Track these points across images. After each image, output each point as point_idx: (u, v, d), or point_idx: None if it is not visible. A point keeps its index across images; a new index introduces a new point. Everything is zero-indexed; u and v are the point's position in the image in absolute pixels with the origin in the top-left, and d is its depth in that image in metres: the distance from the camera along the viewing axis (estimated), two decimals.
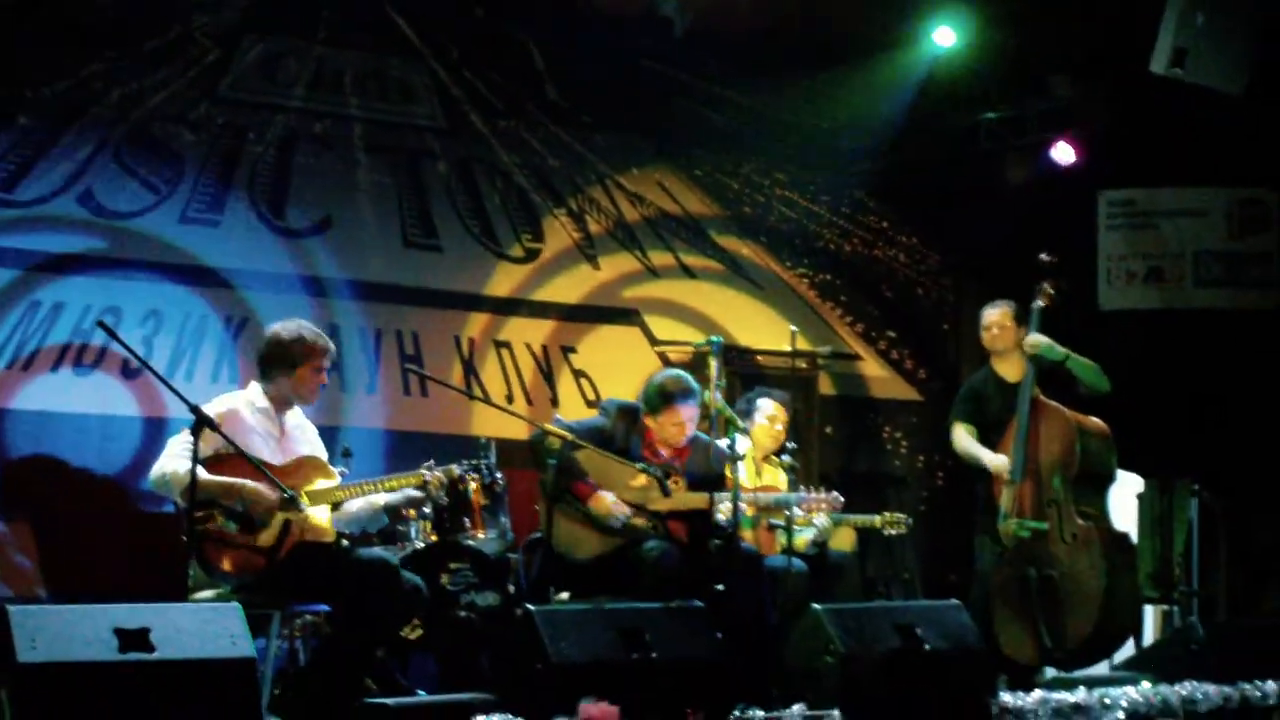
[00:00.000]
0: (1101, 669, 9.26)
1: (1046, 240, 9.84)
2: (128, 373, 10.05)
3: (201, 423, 6.91)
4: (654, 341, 12.07)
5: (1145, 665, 8.63)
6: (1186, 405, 11.79)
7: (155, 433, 9.68)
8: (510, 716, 6.72)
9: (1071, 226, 12.22)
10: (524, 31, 11.84)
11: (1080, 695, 7.62)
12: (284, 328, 7.63)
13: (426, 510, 8.76)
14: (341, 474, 7.69)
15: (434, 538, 8.85)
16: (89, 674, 5.84)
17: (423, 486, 7.69)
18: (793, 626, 8.11)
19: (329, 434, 8.42)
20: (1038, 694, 7.66)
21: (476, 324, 11.50)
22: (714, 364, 8.28)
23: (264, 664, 7.10)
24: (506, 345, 11.55)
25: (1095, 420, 9.26)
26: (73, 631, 5.88)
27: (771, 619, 8.39)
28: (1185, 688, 7.83)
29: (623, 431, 8.54)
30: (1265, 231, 12.52)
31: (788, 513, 8.63)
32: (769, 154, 12.84)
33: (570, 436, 8.11)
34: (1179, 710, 7.72)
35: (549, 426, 8.12)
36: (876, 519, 9.36)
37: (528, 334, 11.67)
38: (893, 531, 9.43)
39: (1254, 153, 11.96)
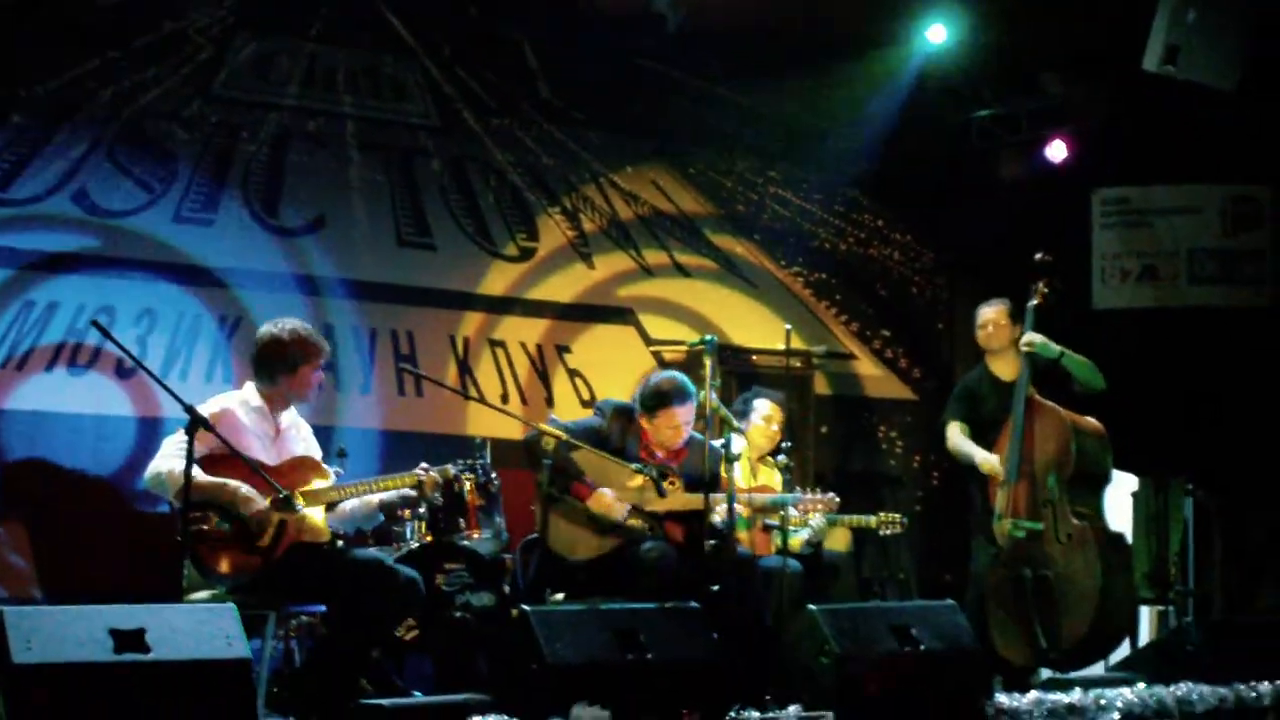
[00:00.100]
0: (1097, 670, 9.27)
1: (1040, 238, 9.85)
2: (122, 372, 10.03)
3: (196, 423, 6.90)
4: (649, 341, 12.06)
5: (1141, 666, 8.64)
6: (1181, 403, 11.78)
7: (150, 433, 9.65)
8: (505, 717, 6.73)
9: (1065, 225, 12.22)
10: (517, 29, 11.82)
11: (1075, 696, 7.62)
12: (280, 328, 7.61)
13: (421, 510, 8.77)
14: (336, 474, 7.69)
15: (429, 538, 8.86)
16: (84, 675, 5.83)
17: (418, 486, 7.69)
18: (788, 627, 8.13)
19: (324, 434, 8.41)
20: (1033, 695, 7.67)
21: (471, 323, 11.48)
22: (709, 363, 8.25)
23: (259, 665, 7.12)
24: (501, 344, 11.54)
25: (1090, 420, 9.26)
26: (68, 632, 5.87)
27: (767, 620, 8.40)
28: (1181, 688, 7.84)
29: (618, 432, 8.54)
30: (1258, 228, 12.51)
31: (783, 513, 8.63)
32: (763, 152, 12.83)
33: (565, 437, 8.11)
34: (1175, 711, 7.72)
35: (544, 427, 8.12)
36: (872, 519, 9.36)
37: (522, 333, 11.65)
38: (888, 532, 9.44)
39: (1247, 149, 11.96)
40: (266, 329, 7.65)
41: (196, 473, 6.91)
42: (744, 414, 9.45)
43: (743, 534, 8.79)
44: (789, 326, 10.03)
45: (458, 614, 8.64)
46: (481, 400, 10.32)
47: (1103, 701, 7.62)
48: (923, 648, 7.47)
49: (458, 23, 11.59)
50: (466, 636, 8.61)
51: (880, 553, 11.86)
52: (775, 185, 12.88)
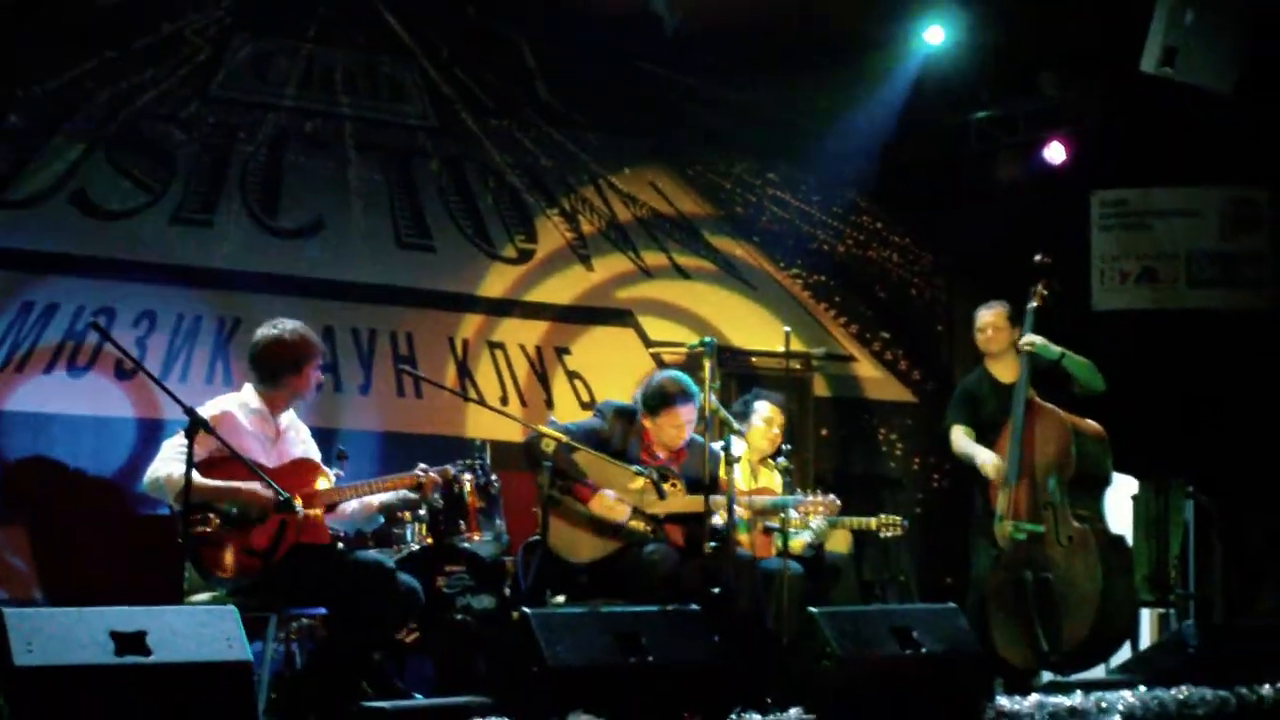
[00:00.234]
0: (1098, 672, 9.26)
1: (1039, 241, 9.84)
2: (122, 374, 10.02)
3: (196, 425, 6.89)
4: (648, 342, 12.05)
5: (1141, 668, 8.63)
6: (1181, 406, 11.78)
7: (150, 434, 9.63)
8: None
9: (1064, 227, 12.20)
10: (515, 30, 11.81)
11: (1077, 699, 7.60)
12: (281, 329, 7.62)
13: (422, 513, 8.75)
14: (337, 476, 7.69)
15: (429, 540, 8.84)
16: (85, 677, 5.83)
17: (418, 488, 7.70)
18: (789, 630, 8.12)
19: (323, 436, 8.40)
20: (1034, 698, 7.65)
21: (470, 325, 11.47)
22: (708, 365, 8.25)
23: (260, 667, 7.11)
24: (500, 346, 11.53)
25: (1091, 422, 9.26)
26: (68, 635, 5.87)
27: (768, 622, 8.39)
28: (1182, 691, 7.83)
29: (620, 433, 8.54)
30: (1257, 231, 12.50)
31: (784, 515, 8.63)
32: (761, 154, 12.83)
33: (565, 439, 8.11)
34: (1176, 713, 7.71)
35: (543, 429, 8.12)
36: (872, 521, 9.35)
37: (522, 335, 11.65)
38: (888, 534, 9.42)
39: (1246, 152, 11.95)
40: (265, 331, 7.65)
41: (196, 476, 6.90)
42: (744, 416, 9.44)
43: (743, 536, 8.78)
44: (788, 328, 10.04)
45: (458, 616, 8.63)
46: (481, 402, 10.32)
47: (1104, 704, 7.60)
48: (924, 650, 7.46)
49: (456, 23, 11.59)
50: (467, 639, 8.60)
51: (881, 555, 11.86)
52: (774, 187, 12.88)
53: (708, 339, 8.39)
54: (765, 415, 9.47)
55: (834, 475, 12.15)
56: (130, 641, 5.95)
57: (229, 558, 7.16)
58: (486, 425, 10.33)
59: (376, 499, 7.74)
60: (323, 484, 7.51)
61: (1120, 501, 10.58)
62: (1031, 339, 9.32)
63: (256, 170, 10.81)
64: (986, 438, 9.44)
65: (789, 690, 7.40)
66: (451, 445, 10.20)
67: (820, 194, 13.01)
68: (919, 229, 13.36)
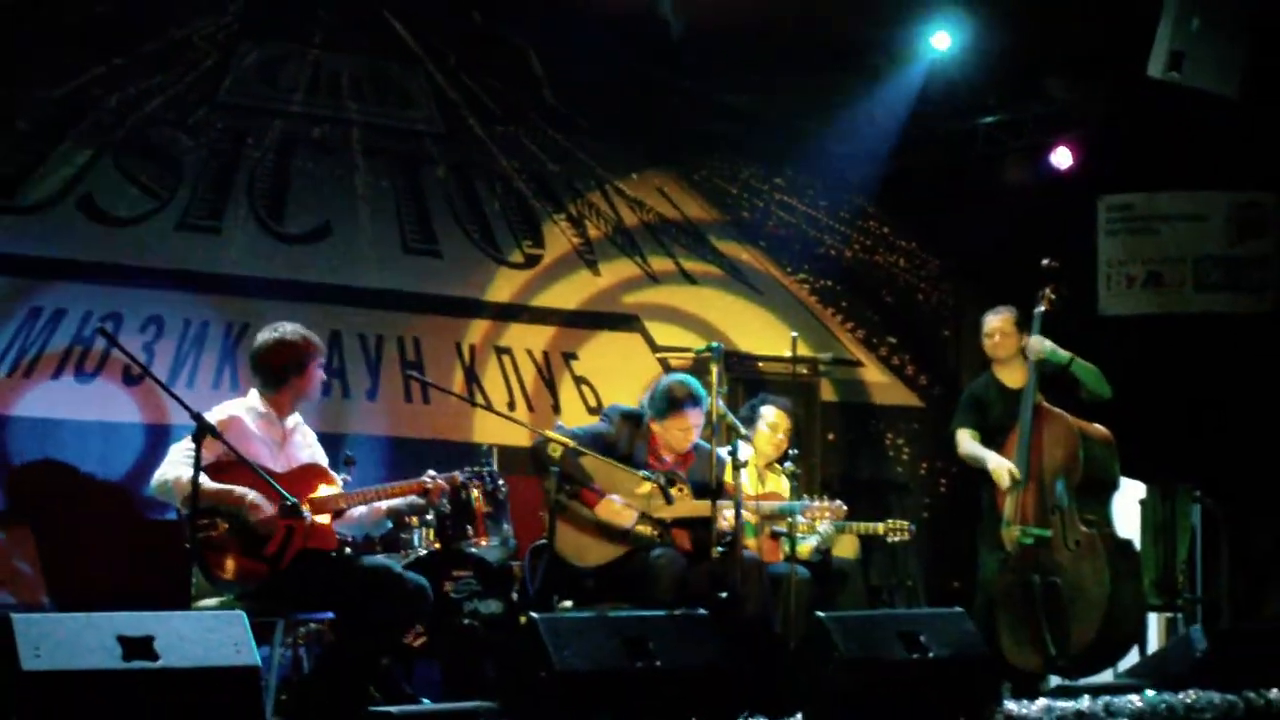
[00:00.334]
0: (1105, 676, 9.25)
1: (1046, 245, 9.82)
2: (129, 379, 10.02)
3: (204, 430, 6.90)
4: (655, 347, 12.05)
5: (1149, 673, 8.63)
6: (1187, 410, 11.78)
7: (157, 440, 9.64)
8: None
9: (1070, 231, 12.21)
10: (521, 36, 11.82)
11: (1084, 703, 7.61)
12: (282, 331, 7.63)
13: (429, 518, 8.76)
14: (344, 481, 7.68)
15: (437, 545, 8.85)
16: (93, 682, 5.84)
17: (425, 494, 7.69)
18: (796, 634, 8.12)
19: (331, 441, 8.40)
20: (1042, 702, 7.65)
21: (477, 330, 11.47)
22: (715, 370, 8.25)
23: (268, 672, 7.10)
24: (508, 351, 11.54)
25: (1098, 427, 9.25)
26: (76, 640, 5.87)
27: (775, 627, 8.39)
28: (1190, 695, 7.82)
29: (626, 437, 8.55)
30: (1264, 236, 12.51)
31: (791, 520, 8.63)
32: (768, 159, 12.84)
33: (571, 444, 8.12)
34: (1184, 718, 7.71)
35: (550, 434, 8.12)
36: (879, 526, 9.34)
37: (529, 340, 11.65)
38: (896, 538, 9.40)
39: (1253, 156, 11.96)
40: (266, 335, 7.65)
41: (204, 480, 6.91)
42: (751, 421, 9.44)
43: (750, 541, 8.78)
44: (795, 333, 10.02)
45: (466, 621, 8.64)
46: (488, 407, 10.33)
47: (1111, 708, 7.60)
48: (930, 654, 7.45)
49: (462, 29, 11.60)
50: (475, 644, 8.61)
51: (888, 559, 11.85)
52: (780, 192, 12.89)
53: (714, 344, 8.39)
54: (771, 420, 9.46)
55: (841, 480, 12.15)
56: (138, 646, 5.95)
57: (236, 562, 7.16)
58: (494, 430, 10.34)
59: (384, 504, 7.73)
60: (330, 490, 7.51)
61: (1128, 506, 10.59)
62: (1039, 347, 9.31)
63: (264, 176, 10.82)
64: (994, 442, 9.43)
65: (796, 695, 7.39)
66: (459, 450, 10.23)
67: (827, 199, 13.02)
68: (926, 234, 13.37)
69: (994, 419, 9.54)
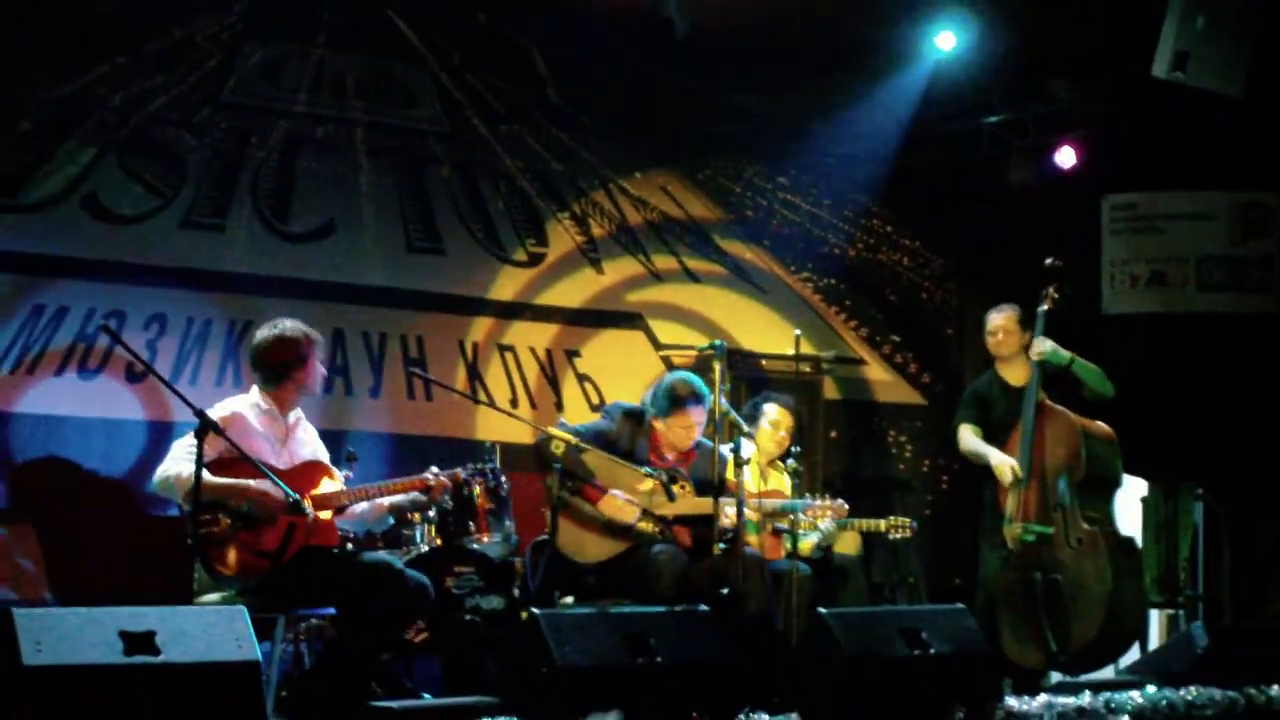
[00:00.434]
0: (1107, 673, 9.25)
1: (1049, 244, 9.83)
2: (132, 377, 10.05)
3: (206, 427, 6.92)
4: (658, 345, 12.06)
5: (1150, 670, 8.62)
6: (1190, 409, 11.78)
7: (160, 437, 9.66)
8: None
9: (1074, 230, 12.20)
10: (526, 35, 11.83)
11: (1085, 700, 7.61)
12: (281, 327, 7.68)
13: (431, 514, 8.78)
14: (346, 478, 7.70)
15: (439, 541, 8.87)
16: (94, 677, 5.83)
17: (427, 491, 7.71)
18: (798, 630, 8.12)
19: (334, 438, 8.42)
20: (1043, 698, 7.64)
21: (480, 328, 11.49)
22: (718, 368, 8.26)
23: (269, 667, 7.13)
24: (510, 349, 11.55)
25: (1100, 425, 9.25)
26: (78, 635, 5.87)
27: (776, 623, 8.40)
28: (1191, 692, 7.82)
29: (628, 435, 8.55)
30: (1267, 235, 12.51)
31: (792, 517, 8.64)
32: (772, 158, 12.84)
33: (574, 440, 8.13)
34: (1184, 714, 7.71)
35: (553, 430, 8.13)
36: (881, 523, 9.33)
37: (532, 338, 11.67)
38: (897, 535, 9.38)
39: (1257, 156, 11.95)
40: (265, 332, 7.69)
41: (206, 475, 6.92)
42: (753, 419, 9.44)
43: (752, 538, 8.78)
44: (798, 331, 10.03)
45: (467, 617, 8.65)
46: (491, 404, 10.33)
47: (1113, 705, 7.61)
48: (932, 651, 7.45)
49: (467, 28, 11.60)
50: (476, 639, 8.62)
51: (890, 556, 11.86)
52: (784, 191, 12.90)
53: (718, 342, 8.40)
54: (772, 418, 9.46)
55: (843, 477, 12.17)
56: (139, 641, 5.95)
57: (238, 558, 7.17)
58: (497, 427, 10.34)
59: (386, 500, 7.75)
60: (332, 486, 7.53)
61: (1130, 503, 10.58)
62: (1042, 347, 9.31)
63: (268, 175, 10.84)
64: (996, 440, 9.43)
65: (797, 691, 7.40)
66: (461, 447, 10.24)
67: (831, 198, 13.03)
68: (929, 233, 13.37)
69: (997, 417, 9.54)
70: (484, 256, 11.59)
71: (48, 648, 5.76)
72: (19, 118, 10.03)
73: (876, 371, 13.10)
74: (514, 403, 11.41)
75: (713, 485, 8.08)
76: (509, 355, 11.54)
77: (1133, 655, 9.54)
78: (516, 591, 8.83)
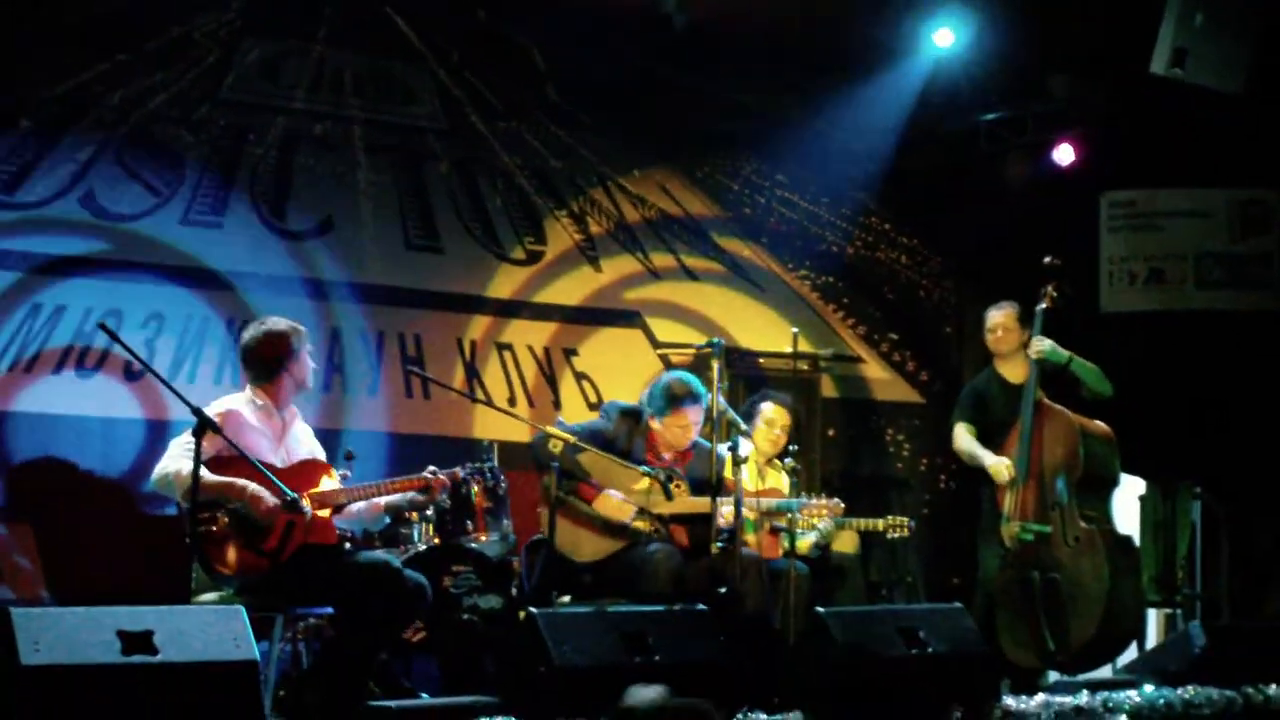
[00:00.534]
0: (1105, 673, 9.25)
1: (1048, 242, 9.84)
2: (130, 375, 10.04)
3: (204, 426, 6.92)
4: (656, 344, 12.05)
5: (1148, 669, 8.62)
6: (1188, 407, 11.78)
7: (158, 435, 9.65)
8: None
9: (1073, 228, 12.20)
10: (524, 32, 11.82)
11: (1083, 699, 7.60)
12: (269, 324, 7.71)
13: (429, 513, 8.77)
14: (344, 476, 7.70)
15: (436, 540, 8.86)
16: (92, 676, 5.84)
17: (425, 490, 7.70)
18: (796, 630, 8.13)
19: (331, 436, 8.45)
20: (1040, 697, 7.64)
21: (478, 326, 11.48)
22: (716, 366, 8.27)
23: (267, 667, 7.10)
24: (508, 347, 11.54)
25: (1099, 423, 9.26)
26: (76, 634, 5.87)
27: (774, 622, 8.40)
28: (1188, 691, 7.82)
29: (625, 434, 8.56)
30: (1266, 233, 12.51)
31: (790, 516, 8.64)
32: (770, 155, 12.83)
33: (572, 439, 8.13)
34: (1182, 714, 7.71)
35: (551, 429, 8.13)
36: (879, 522, 9.33)
37: (529, 336, 11.66)
38: (895, 535, 9.39)
39: (1256, 153, 11.95)
40: (253, 330, 7.71)
41: (204, 474, 6.92)
42: (750, 417, 9.44)
43: (750, 537, 8.79)
44: (796, 330, 10.03)
45: (465, 616, 8.65)
46: (488, 403, 10.32)
47: (1110, 704, 7.60)
48: (930, 650, 7.47)
49: (465, 25, 11.59)
50: (474, 639, 8.62)
51: (888, 556, 11.85)
52: (782, 189, 12.88)
53: (715, 340, 8.41)
54: (768, 417, 9.46)
55: (841, 476, 12.16)
56: (137, 641, 5.96)
57: (236, 557, 7.17)
58: (494, 426, 10.32)
59: (383, 500, 7.75)
60: (330, 484, 7.53)
61: (1128, 502, 10.58)
62: (1040, 346, 9.31)
63: (266, 172, 10.83)
64: (995, 438, 9.44)
65: (795, 690, 7.40)
66: (459, 446, 10.24)
67: (829, 195, 13.02)
68: (928, 230, 13.36)
69: (995, 415, 9.54)
70: (482, 254, 11.59)
71: (46, 647, 5.76)
72: (18, 115, 10.02)
73: (875, 370, 13.10)
74: (512, 401, 11.40)
75: (710, 485, 8.08)
76: (507, 354, 11.53)
77: (1130, 654, 9.54)
78: (514, 590, 8.83)
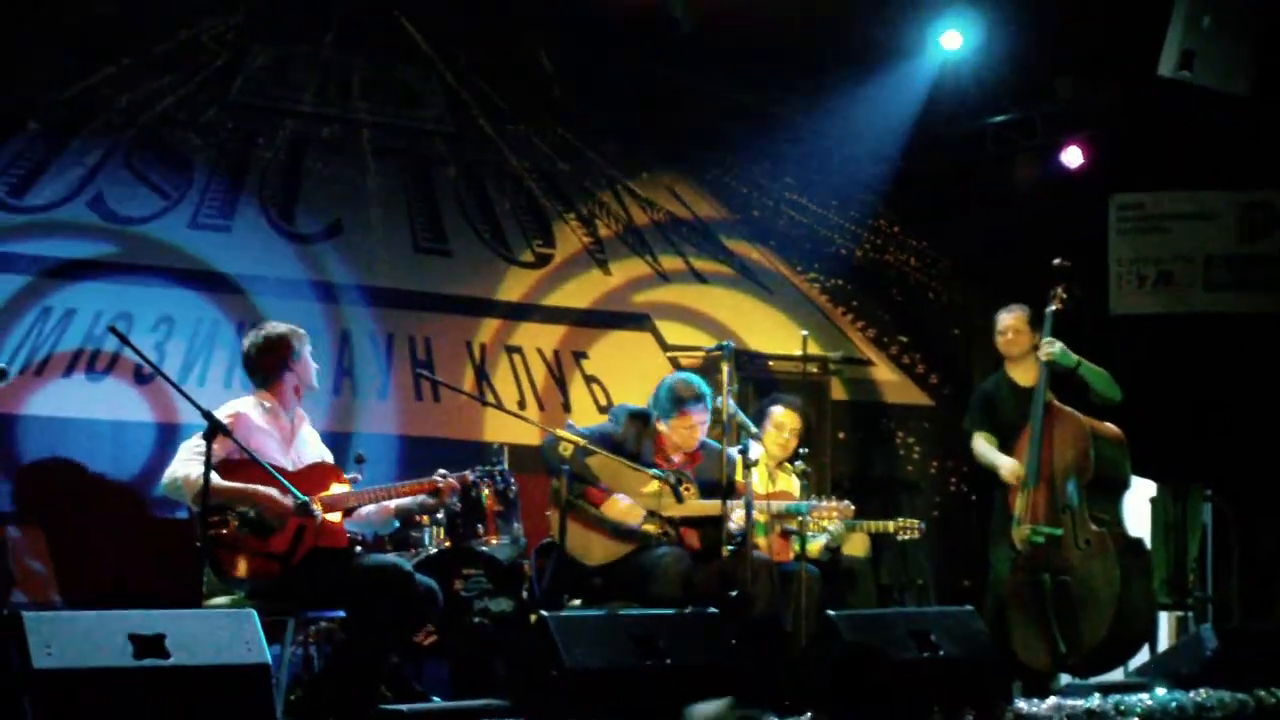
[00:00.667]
0: (1116, 675, 9.25)
1: (1056, 244, 9.83)
2: (140, 378, 10.04)
3: (214, 429, 6.93)
4: (665, 347, 12.05)
5: (1160, 671, 8.62)
6: (1198, 410, 11.76)
7: (168, 438, 9.63)
8: None
9: (1081, 230, 12.18)
10: (532, 36, 11.81)
11: (1095, 701, 7.59)
12: (268, 329, 7.83)
13: (440, 516, 8.77)
14: (354, 480, 7.70)
15: (447, 543, 8.87)
16: (104, 680, 5.86)
17: (436, 493, 7.71)
18: (806, 632, 8.12)
19: (341, 439, 8.45)
20: (1052, 700, 7.64)
21: (488, 329, 11.47)
22: (726, 369, 8.27)
23: (279, 670, 7.11)
24: (518, 350, 11.54)
25: (1109, 426, 9.25)
26: (88, 638, 5.90)
27: (785, 625, 8.39)
28: (1200, 694, 7.81)
29: (634, 437, 8.56)
30: (1274, 235, 12.49)
31: (801, 519, 8.64)
32: (778, 158, 12.82)
33: (582, 442, 8.12)
34: (1194, 716, 7.70)
35: (561, 432, 8.13)
36: (890, 524, 9.34)
37: (539, 339, 11.65)
38: (906, 537, 9.41)
39: (1264, 155, 11.94)
40: (253, 336, 7.78)
41: (214, 478, 6.93)
42: (761, 420, 9.44)
43: (761, 539, 8.79)
44: (805, 332, 10.04)
45: (476, 619, 8.66)
46: (498, 406, 10.32)
47: (1122, 706, 7.59)
48: (941, 653, 7.47)
49: (473, 29, 11.59)
50: (485, 642, 8.63)
51: (899, 558, 11.84)
52: (791, 191, 12.87)
53: (725, 343, 8.41)
54: (778, 420, 9.46)
55: (851, 479, 12.14)
56: (149, 644, 5.97)
57: (247, 561, 7.17)
58: (504, 429, 10.34)
59: (393, 503, 7.75)
60: (341, 488, 7.53)
61: (1138, 505, 10.57)
62: (1050, 348, 9.31)
63: (275, 176, 10.82)
64: (1005, 441, 9.44)
65: (806, 693, 7.39)
66: (469, 449, 10.23)
67: (837, 198, 13.00)
68: (936, 233, 13.34)
69: (1005, 417, 9.54)
70: (491, 257, 11.58)
71: (58, 651, 5.78)
72: (26, 119, 10.01)
73: (884, 372, 13.08)
74: (521, 404, 11.38)
75: (720, 487, 8.08)
76: (516, 356, 11.52)
77: (1142, 657, 9.55)
78: (525, 594, 8.83)
